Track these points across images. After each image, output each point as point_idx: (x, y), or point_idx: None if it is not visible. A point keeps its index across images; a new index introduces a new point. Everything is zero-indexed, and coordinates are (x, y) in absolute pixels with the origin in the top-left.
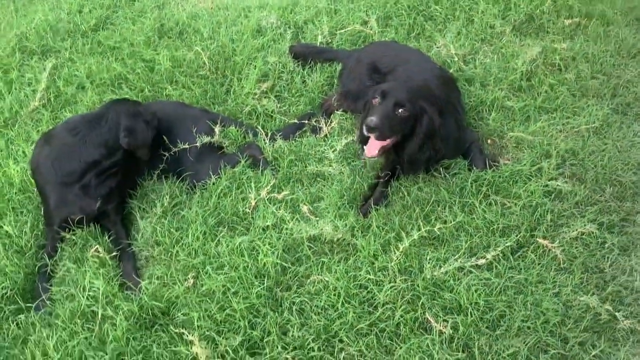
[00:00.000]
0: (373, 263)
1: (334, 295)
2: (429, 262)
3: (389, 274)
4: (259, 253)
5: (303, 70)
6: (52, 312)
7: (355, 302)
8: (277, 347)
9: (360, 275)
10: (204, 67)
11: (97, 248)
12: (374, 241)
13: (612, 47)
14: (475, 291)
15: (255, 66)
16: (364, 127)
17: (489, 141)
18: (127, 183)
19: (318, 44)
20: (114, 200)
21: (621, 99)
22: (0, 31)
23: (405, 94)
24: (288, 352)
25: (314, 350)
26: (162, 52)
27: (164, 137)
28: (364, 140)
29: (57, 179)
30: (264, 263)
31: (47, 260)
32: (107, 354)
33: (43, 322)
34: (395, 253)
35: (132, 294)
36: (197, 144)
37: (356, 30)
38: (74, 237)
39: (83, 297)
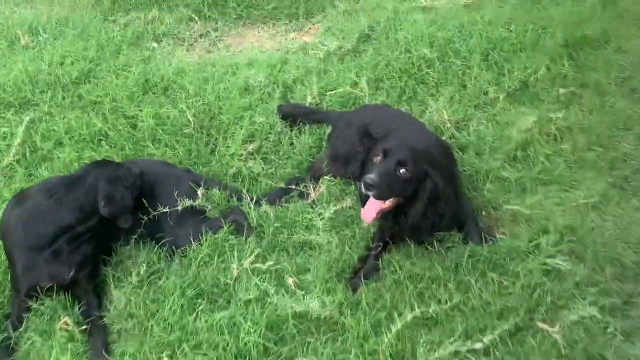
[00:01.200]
0: (362, 345)
1: None
2: (422, 346)
3: (379, 358)
4: (240, 330)
5: (291, 131)
6: None
7: None
8: None
9: (349, 358)
10: (189, 126)
11: (66, 320)
12: (364, 320)
13: (608, 118)
14: None
15: (241, 126)
16: (362, 185)
17: (484, 213)
18: (102, 249)
19: (307, 104)
20: (87, 268)
21: (619, 171)
22: None
23: (409, 154)
24: None
25: None
26: (146, 109)
27: (143, 200)
28: (363, 202)
29: (27, 243)
30: (245, 342)
31: (11, 331)
32: None
33: None
34: (386, 335)
35: None
36: (178, 207)
37: (346, 91)
38: (41, 307)
39: None
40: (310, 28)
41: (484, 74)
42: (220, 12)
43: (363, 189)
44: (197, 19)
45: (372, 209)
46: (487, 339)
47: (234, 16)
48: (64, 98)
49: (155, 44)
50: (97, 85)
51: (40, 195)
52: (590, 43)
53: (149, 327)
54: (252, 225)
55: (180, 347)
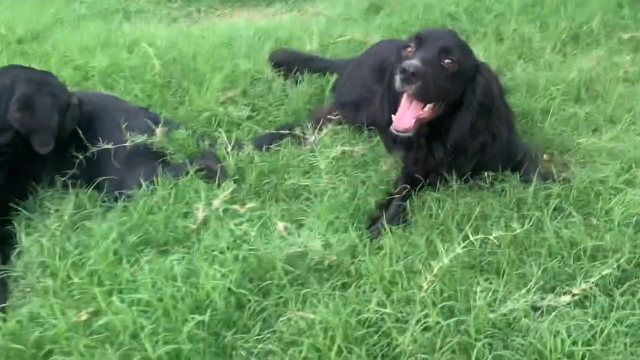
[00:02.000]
0: (389, 292)
1: (325, 339)
2: (480, 295)
3: (416, 308)
4: (200, 277)
5: (285, 79)
6: None
7: (361, 349)
8: None
9: (369, 308)
10: (153, 71)
11: None
12: (390, 265)
13: None
14: (569, 337)
15: (220, 72)
16: (399, 77)
17: (544, 156)
18: (13, 186)
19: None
20: None
21: None
22: None
23: (453, 40)
24: None
25: None
26: (99, 57)
27: (79, 131)
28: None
29: None
30: (207, 292)
31: None
32: None
33: None
34: (426, 277)
35: None
36: (127, 145)
37: (355, 39)
38: None
39: None
40: (309, 9)
41: (523, 27)
42: None
43: (400, 84)
44: None
45: (408, 114)
46: (577, 288)
47: None
48: (1, 52)
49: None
50: (46, 43)
51: None
52: None
53: (69, 281)
54: (227, 171)
55: (108, 299)
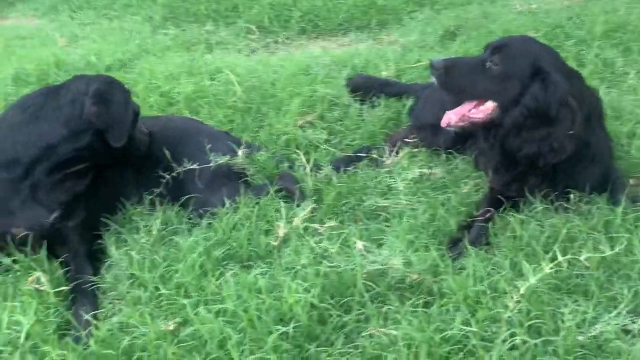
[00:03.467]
0: (474, 311)
1: (409, 355)
2: (569, 317)
3: (502, 327)
4: (284, 290)
5: (361, 104)
6: None
7: None
8: None
9: (453, 326)
10: (234, 97)
11: (38, 277)
12: (474, 285)
13: None
14: None
15: (299, 96)
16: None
17: (631, 181)
18: (101, 199)
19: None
20: (78, 216)
21: None
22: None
23: (515, 42)
24: None
25: None
26: (184, 84)
27: (166, 153)
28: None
29: None
30: (291, 305)
31: None
32: None
33: None
34: (512, 297)
35: (76, 340)
36: (211, 165)
37: None
38: (14, 265)
39: None
40: (384, 37)
41: (605, 52)
42: (282, 25)
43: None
44: (255, 30)
45: (456, 112)
46: None
47: (297, 28)
48: None
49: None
50: (133, 70)
51: (14, 112)
52: None
53: (157, 292)
54: (305, 192)
55: (195, 309)
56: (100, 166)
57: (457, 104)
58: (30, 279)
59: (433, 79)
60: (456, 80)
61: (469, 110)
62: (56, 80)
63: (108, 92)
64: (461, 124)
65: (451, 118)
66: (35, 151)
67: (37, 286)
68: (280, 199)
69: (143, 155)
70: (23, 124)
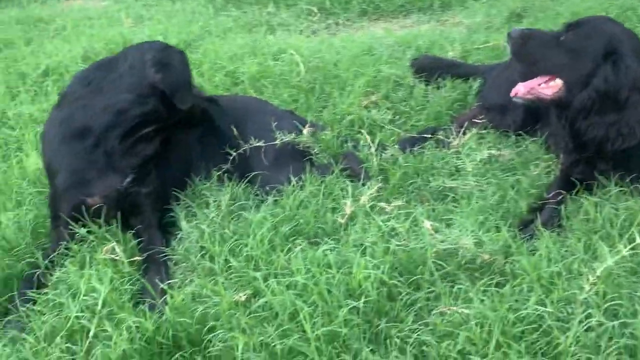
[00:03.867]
0: (548, 292)
1: (482, 333)
2: None
3: (578, 309)
4: (353, 267)
5: (426, 85)
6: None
7: (520, 346)
8: None
9: (527, 306)
10: (298, 77)
11: (113, 246)
12: (548, 264)
13: None
14: None
15: (362, 76)
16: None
17: None
18: (171, 170)
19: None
20: (150, 183)
21: None
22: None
23: (596, 22)
24: None
25: None
26: (248, 62)
27: (234, 130)
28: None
29: (68, 146)
30: (360, 281)
31: (41, 260)
32: None
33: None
34: (587, 279)
35: (151, 308)
36: (277, 143)
37: (499, 45)
38: (89, 236)
39: (74, 306)
40: (448, 19)
41: None
42: (343, 7)
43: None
44: (316, 11)
45: (525, 83)
46: None
47: (358, 10)
48: None
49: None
50: (197, 51)
51: (76, 88)
52: None
53: (227, 265)
54: (370, 173)
55: (266, 282)
56: (167, 132)
57: (526, 79)
58: (105, 248)
59: (507, 47)
60: (529, 51)
61: (539, 85)
62: None
63: (167, 58)
64: (529, 96)
65: (519, 89)
66: (106, 118)
67: (111, 256)
68: (344, 178)
69: (209, 130)
70: (89, 96)
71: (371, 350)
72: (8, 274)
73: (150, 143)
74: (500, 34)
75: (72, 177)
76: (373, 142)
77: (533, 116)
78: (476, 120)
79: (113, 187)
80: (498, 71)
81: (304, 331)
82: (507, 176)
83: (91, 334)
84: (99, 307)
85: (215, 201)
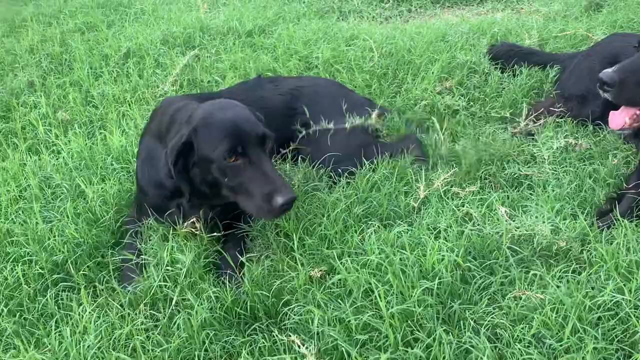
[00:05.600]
0: (627, 281)
1: (557, 318)
2: None
3: None
4: (426, 249)
5: (502, 73)
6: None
7: (597, 332)
8: None
9: (604, 293)
10: (372, 62)
11: (193, 221)
12: (627, 253)
13: None
14: None
15: (436, 63)
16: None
17: None
18: None
19: None
20: None
21: None
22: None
23: None
24: None
25: None
26: (322, 47)
27: (305, 109)
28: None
29: None
30: (433, 263)
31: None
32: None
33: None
34: None
35: (230, 280)
36: (347, 126)
37: (578, 34)
38: None
39: (157, 275)
40: (524, 7)
41: None
42: None
43: (599, 89)
44: None
45: (622, 115)
46: None
47: None
48: (234, 43)
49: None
50: (272, 36)
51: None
52: None
53: (301, 242)
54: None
55: (340, 260)
56: None
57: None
58: (185, 223)
59: (604, 95)
60: (631, 93)
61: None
62: (201, 43)
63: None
64: (636, 124)
65: (625, 121)
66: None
67: (192, 229)
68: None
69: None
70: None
71: (445, 330)
72: (94, 243)
73: None
74: (578, 22)
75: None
76: (446, 128)
77: (613, 107)
78: (554, 109)
79: None
80: (578, 60)
81: (378, 309)
82: (584, 165)
83: (173, 302)
84: (182, 277)
85: (289, 180)
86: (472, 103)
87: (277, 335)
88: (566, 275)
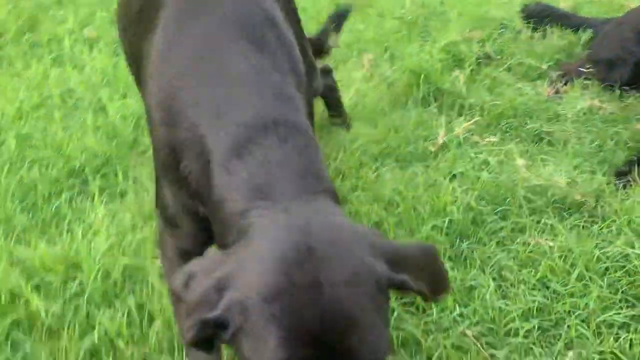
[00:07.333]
0: (638, 237)
1: (565, 264)
2: None
3: None
4: (440, 191)
5: (534, 31)
6: None
7: (602, 282)
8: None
9: (614, 248)
10: (403, 9)
11: None
12: None
13: None
14: None
15: (468, 14)
16: None
17: None
18: None
19: None
20: None
21: None
22: None
23: None
24: (469, 326)
25: (518, 336)
26: None
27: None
28: None
29: None
30: (446, 203)
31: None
32: None
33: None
34: None
35: None
36: None
37: (614, 2)
38: None
39: None
40: None
41: None
42: None
43: None
44: None
45: None
46: None
47: None
48: None
49: None
50: None
51: None
52: None
53: None
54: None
55: (353, 195)
56: None
57: None
58: None
59: None
60: None
61: None
62: None
63: None
64: None
65: None
66: None
67: None
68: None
69: None
70: None
71: (451, 267)
72: (112, 156)
73: None
74: None
75: None
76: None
77: None
78: (582, 69)
79: None
80: (611, 26)
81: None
82: (606, 127)
83: None
84: None
85: None
86: (499, 56)
87: None
88: (578, 227)
